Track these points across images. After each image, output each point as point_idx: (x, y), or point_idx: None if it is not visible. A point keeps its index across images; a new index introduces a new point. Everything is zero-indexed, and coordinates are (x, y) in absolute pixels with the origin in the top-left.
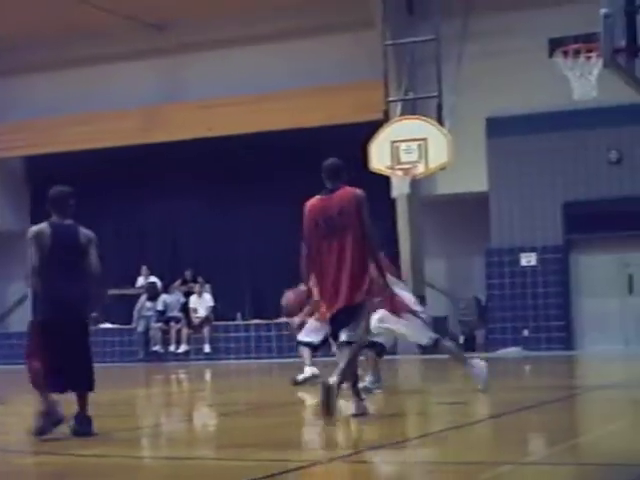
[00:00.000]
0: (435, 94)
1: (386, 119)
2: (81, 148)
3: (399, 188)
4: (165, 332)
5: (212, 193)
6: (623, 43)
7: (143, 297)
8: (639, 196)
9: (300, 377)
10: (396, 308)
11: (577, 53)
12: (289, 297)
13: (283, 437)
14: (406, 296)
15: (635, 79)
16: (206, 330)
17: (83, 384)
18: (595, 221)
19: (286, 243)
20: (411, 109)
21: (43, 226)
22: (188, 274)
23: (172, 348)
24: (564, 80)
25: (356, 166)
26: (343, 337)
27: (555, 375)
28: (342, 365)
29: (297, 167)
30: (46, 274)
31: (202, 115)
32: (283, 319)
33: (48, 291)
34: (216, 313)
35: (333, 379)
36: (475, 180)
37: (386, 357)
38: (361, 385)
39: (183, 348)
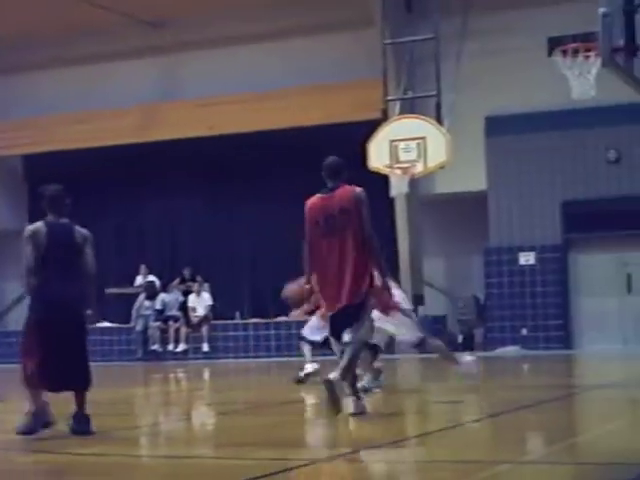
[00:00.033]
0: (434, 93)
1: (385, 118)
2: (79, 146)
3: (398, 187)
4: (164, 331)
5: (210, 192)
6: (621, 42)
7: (142, 296)
8: (638, 195)
9: (302, 374)
10: (386, 307)
11: (576, 52)
12: (291, 288)
13: (282, 436)
14: (395, 294)
15: (634, 78)
16: (205, 329)
17: (79, 382)
18: (594, 220)
19: (285, 242)
20: (410, 108)
21: (39, 225)
22: (187, 273)
23: (171, 347)
24: (563, 79)
25: (355, 165)
26: (347, 338)
27: (553, 374)
28: (344, 363)
29: (296, 166)
30: (42, 273)
31: (200, 113)
32: (283, 318)
33: (44, 290)
34: (215, 312)
35: (334, 374)
36: (474, 179)
37: (384, 356)
38: (359, 384)
39: (182, 347)
